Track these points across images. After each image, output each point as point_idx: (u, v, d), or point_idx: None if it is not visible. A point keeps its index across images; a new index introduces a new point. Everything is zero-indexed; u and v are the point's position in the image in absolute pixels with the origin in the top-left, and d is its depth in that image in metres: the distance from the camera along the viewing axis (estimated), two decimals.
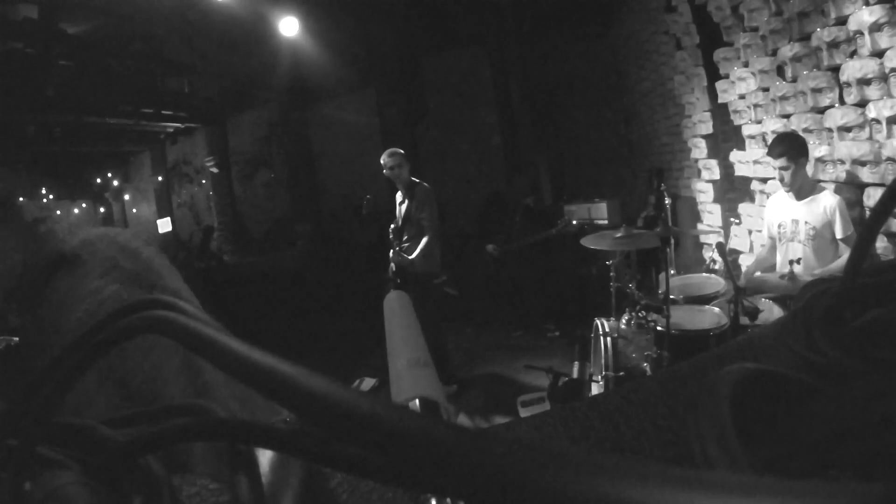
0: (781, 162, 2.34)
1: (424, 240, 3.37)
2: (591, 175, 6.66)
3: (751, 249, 3.65)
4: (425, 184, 3.47)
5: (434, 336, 3.55)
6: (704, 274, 2.96)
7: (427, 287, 3.45)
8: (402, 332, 0.31)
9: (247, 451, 0.27)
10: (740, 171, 3.69)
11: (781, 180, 2.40)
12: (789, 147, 2.33)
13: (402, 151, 3.49)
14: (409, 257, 3.38)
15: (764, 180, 3.38)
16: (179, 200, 10.58)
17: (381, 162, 3.45)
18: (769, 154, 2.42)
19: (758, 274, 2.61)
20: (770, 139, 3.11)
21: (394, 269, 3.43)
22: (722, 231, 3.94)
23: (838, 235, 2.27)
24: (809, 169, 2.72)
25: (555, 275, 5.13)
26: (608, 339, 2.43)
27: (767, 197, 3.04)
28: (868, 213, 2.40)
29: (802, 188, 2.39)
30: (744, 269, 2.90)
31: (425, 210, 3.35)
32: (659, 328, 2.30)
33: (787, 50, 2.79)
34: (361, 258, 6.59)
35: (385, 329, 0.34)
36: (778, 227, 2.53)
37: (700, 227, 4.27)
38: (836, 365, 0.31)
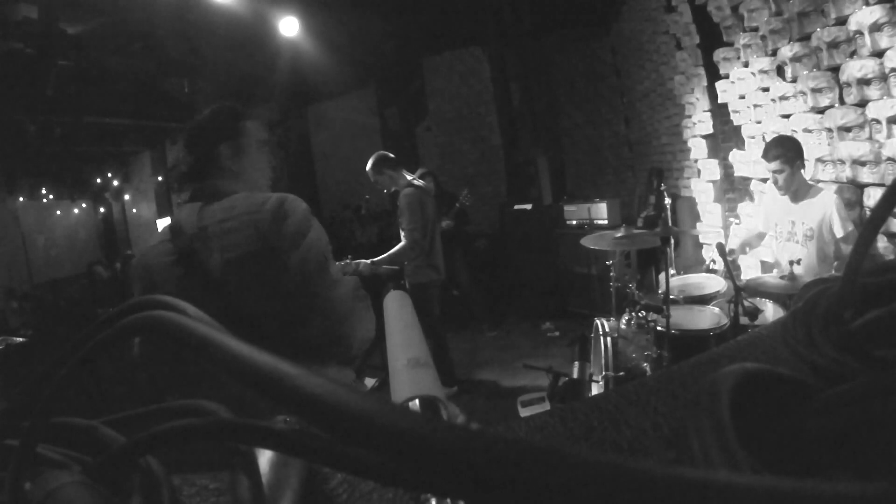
0: (776, 165, 2.33)
1: (398, 246, 3.26)
2: (591, 175, 6.66)
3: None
4: (410, 188, 3.35)
5: (436, 340, 3.53)
6: (704, 274, 2.97)
7: (426, 293, 3.41)
8: (402, 332, 0.31)
9: (247, 451, 0.28)
10: (740, 171, 3.69)
11: (776, 183, 2.38)
12: (785, 150, 2.31)
13: (384, 157, 3.38)
14: (368, 261, 3.18)
15: (764, 180, 3.39)
16: (179, 200, 10.57)
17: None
18: (763, 157, 2.40)
19: (757, 275, 2.61)
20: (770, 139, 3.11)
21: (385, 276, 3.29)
22: (722, 231, 3.94)
23: (838, 235, 2.26)
24: (809, 169, 2.72)
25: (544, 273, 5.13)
26: (608, 339, 2.43)
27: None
28: (868, 213, 2.40)
29: (799, 190, 2.38)
30: (744, 270, 2.90)
31: (404, 217, 3.26)
32: (659, 328, 2.30)
33: (787, 50, 2.79)
34: (361, 258, 6.58)
35: (385, 329, 0.34)
36: (774, 227, 2.52)
37: (700, 227, 4.27)
38: (836, 365, 0.31)
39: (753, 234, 2.72)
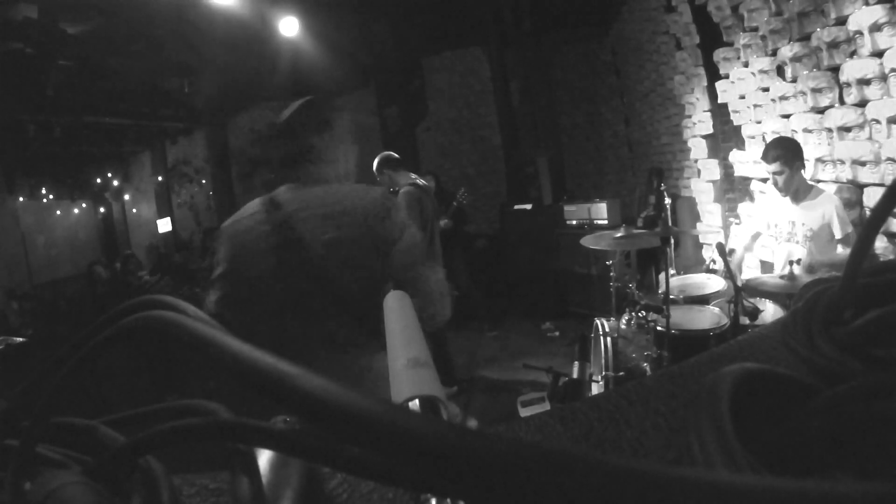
0: (775, 167, 2.34)
1: None
2: (591, 175, 6.66)
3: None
4: (409, 186, 3.37)
5: (436, 340, 3.53)
6: (704, 274, 2.96)
7: None
8: (402, 332, 0.31)
9: (247, 451, 0.28)
10: (740, 171, 3.69)
11: (775, 184, 2.39)
12: (784, 151, 2.32)
13: (384, 158, 3.43)
14: None
15: (764, 180, 3.39)
16: (179, 200, 10.57)
17: None
18: (763, 158, 2.41)
19: (757, 275, 2.61)
20: (769, 140, 3.11)
21: None
22: (722, 231, 3.94)
23: (837, 236, 2.27)
24: (809, 169, 2.72)
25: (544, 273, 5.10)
26: (608, 339, 2.43)
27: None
28: (868, 213, 2.40)
29: (798, 191, 2.38)
30: (744, 270, 2.89)
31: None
32: (659, 328, 2.30)
33: (787, 50, 2.78)
34: None
35: (385, 329, 0.34)
36: (774, 227, 2.52)
37: (700, 227, 4.26)
38: (836, 365, 0.31)
39: (749, 237, 2.72)
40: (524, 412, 2.86)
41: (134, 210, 11.59)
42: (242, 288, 1.28)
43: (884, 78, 2.18)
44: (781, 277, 2.17)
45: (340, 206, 1.27)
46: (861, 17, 2.19)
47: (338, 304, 1.24)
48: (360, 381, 1.30)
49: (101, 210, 11.68)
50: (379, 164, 3.41)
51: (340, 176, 1.41)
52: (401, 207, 1.31)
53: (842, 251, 2.29)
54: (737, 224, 3.83)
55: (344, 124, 1.46)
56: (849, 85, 2.37)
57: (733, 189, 3.95)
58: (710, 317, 2.39)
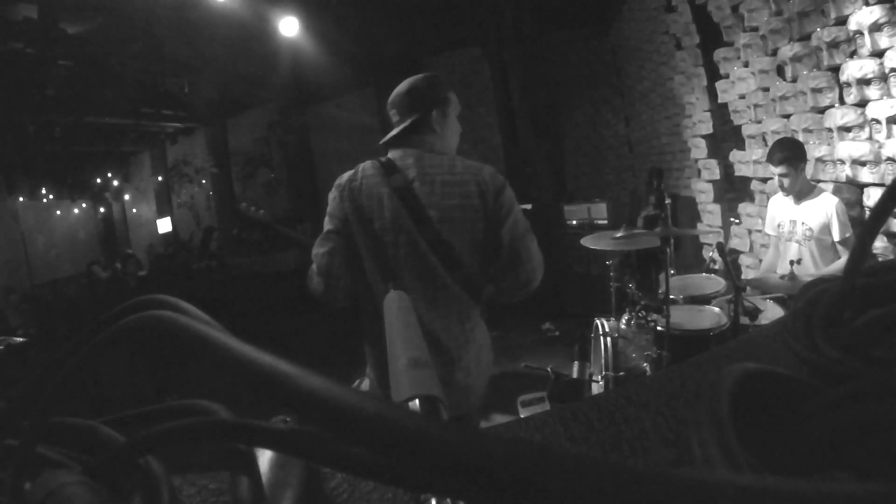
0: (782, 169, 2.35)
1: None
2: (591, 175, 6.65)
3: (751, 249, 3.65)
4: None
5: None
6: (704, 274, 2.96)
7: None
8: (402, 332, 0.31)
9: (247, 451, 0.27)
10: (740, 171, 3.69)
11: (781, 186, 2.41)
12: (789, 154, 2.33)
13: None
14: None
15: (764, 180, 3.39)
16: (179, 200, 10.58)
17: None
18: (769, 161, 2.42)
19: (757, 274, 2.61)
20: (770, 139, 3.11)
21: None
22: (722, 231, 3.93)
23: (835, 238, 2.27)
24: (809, 169, 2.72)
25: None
26: (608, 339, 2.43)
27: (768, 197, 3.04)
28: (868, 213, 2.40)
29: (801, 191, 2.40)
30: (744, 270, 2.89)
31: None
32: (659, 328, 2.29)
33: (787, 50, 2.78)
34: None
35: (385, 329, 0.34)
36: (778, 227, 2.54)
37: (700, 227, 4.26)
38: (836, 365, 0.31)
39: (770, 251, 2.72)
40: (524, 412, 2.86)
41: (134, 210, 11.59)
42: (354, 244, 1.37)
43: (884, 78, 2.18)
44: (781, 277, 2.17)
45: (460, 177, 1.37)
46: (861, 17, 2.19)
47: (447, 267, 1.33)
48: (466, 345, 1.37)
49: (101, 210, 11.68)
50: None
51: (448, 149, 1.48)
52: (509, 186, 1.42)
53: (833, 267, 2.28)
54: (737, 224, 3.83)
55: (455, 103, 1.52)
56: (849, 85, 2.37)
57: (733, 189, 3.94)
58: (710, 317, 2.39)
